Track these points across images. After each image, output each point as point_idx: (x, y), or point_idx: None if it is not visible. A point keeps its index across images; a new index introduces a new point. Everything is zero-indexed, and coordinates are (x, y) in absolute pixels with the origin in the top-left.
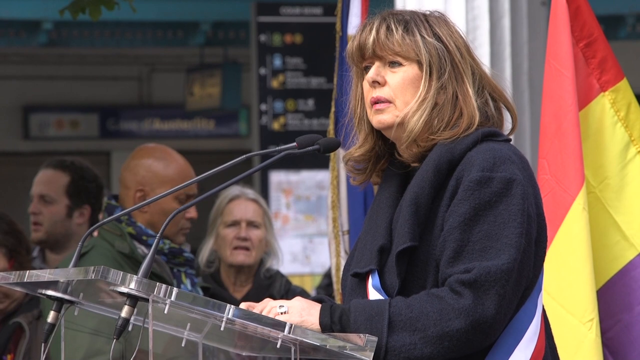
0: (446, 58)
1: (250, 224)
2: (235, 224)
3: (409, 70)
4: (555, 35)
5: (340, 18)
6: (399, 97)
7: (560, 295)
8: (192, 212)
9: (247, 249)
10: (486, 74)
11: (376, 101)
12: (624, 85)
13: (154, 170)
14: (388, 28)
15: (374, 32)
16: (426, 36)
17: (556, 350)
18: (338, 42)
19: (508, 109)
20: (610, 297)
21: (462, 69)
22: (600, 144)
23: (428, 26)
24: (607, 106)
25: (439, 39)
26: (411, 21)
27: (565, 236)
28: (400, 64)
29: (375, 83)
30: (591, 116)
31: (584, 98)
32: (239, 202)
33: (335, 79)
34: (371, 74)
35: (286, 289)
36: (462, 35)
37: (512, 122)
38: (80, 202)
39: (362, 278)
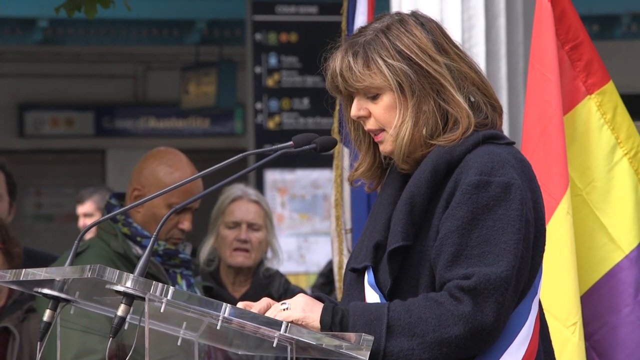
0: (414, 73)
1: (251, 227)
2: (235, 225)
3: (385, 98)
4: (539, 39)
5: (346, 17)
6: (386, 125)
7: (543, 299)
8: (186, 224)
9: (246, 250)
10: (465, 66)
11: (371, 132)
12: (610, 87)
13: (156, 174)
14: (348, 67)
15: (337, 72)
16: (387, 59)
17: (553, 355)
18: (344, 41)
19: (490, 101)
20: (597, 300)
21: (437, 73)
22: (586, 146)
23: (389, 43)
24: (593, 109)
25: (402, 54)
26: (369, 47)
27: (549, 240)
28: (376, 94)
29: (361, 118)
30: (577, 119)
31: (570, 101)
32: (241, 203)
33: None
34: (353, 111)
35: (285, 289)
36: (430, 35)
37: (497, 114)
38: (13, 199)
39: (360, 273)
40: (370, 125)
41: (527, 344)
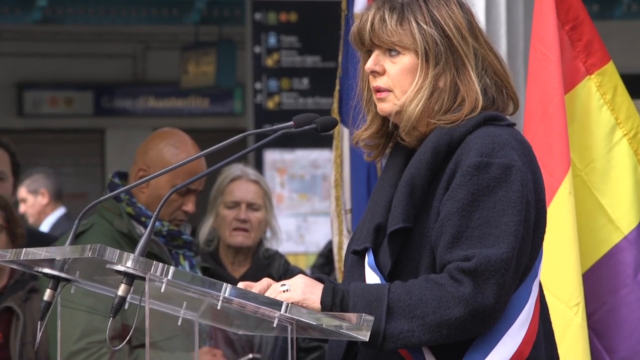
0: (443, 44)
1: (250, 206)
2: (235, 205)
3: (406, 59)
4: (540, 19)
5: None
6: (397, 86)
7: (546, 280)
8: (190, 206)
9: (246, 230)
10: (491, 55)
11: (377, 90)
12: (610, 68)
13: (161, 154)
14: (382, 18)
15: (369, 22)
16: (422, 23)
17: (552, 336)
18: (343, 21)
19: (509, 94)
20: (596, 281)
21: (463, 52)
22: (586, 127)
23: (426, 10)
24: (593, 89)
25: (437, 24)
26: (407, 8)
27: (551, 221)
28: (398, 53)
29: (374, 72)
30: (577, 99)
31: (570, 81)
32: (240, 183)
33: (340, 58)
34: (369, 64)
35: (285, 269)
36: (467, 16)
37: (513, 108)
38: (17, 179)
39: (360, 255)
40: (380, 82)
41: (527, 325)
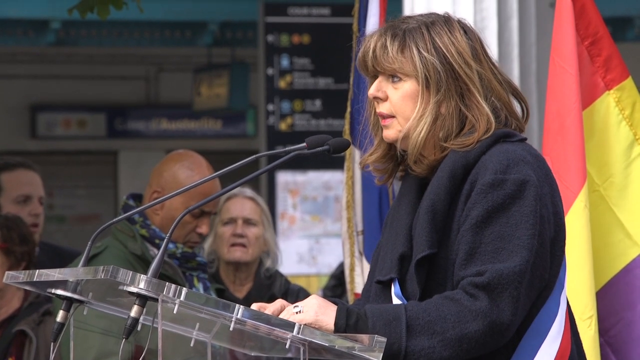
0: (445, 71)
1: (247, 222)
2: (231, 221)
3: (407, 86)
4: (559, 33)
5: (357, 18)
6: (400, 113)
7: None
8: (204, 228)
9: (243, 245)
10: (494, 81)
11: (380, 116)
12: (629, 83)
13: (176, 177)
14: (383, 45)
15: (371, 49)
16: (423, 50)
17: (582, 347)
18: (355, 42)
19: (518, 98)
20: (613, 296)
21: (467, 77)
22: (604, 142)
23: (429, 38)
24: (611, 104)
25: (438, 51)
26: (409, 35)
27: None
28: (399, 79)
29: (377, 99)
30: (596, 114)
31: (589, 96)
32: (236, 201)
33: (351, 79)
34: (372, 90)
35: (285, 288)
36: (471, 42)
37: (525, 111)
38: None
39: (385, 285)
40: (383, 108)
41: (560, 338)
